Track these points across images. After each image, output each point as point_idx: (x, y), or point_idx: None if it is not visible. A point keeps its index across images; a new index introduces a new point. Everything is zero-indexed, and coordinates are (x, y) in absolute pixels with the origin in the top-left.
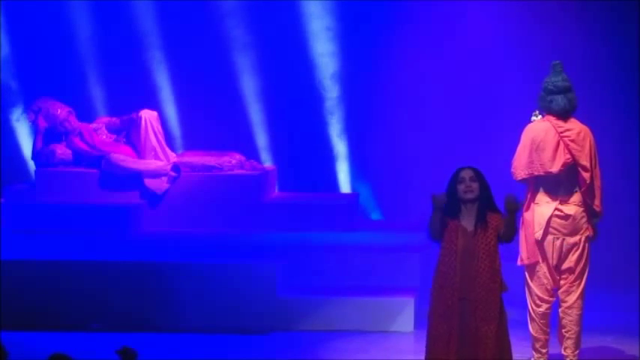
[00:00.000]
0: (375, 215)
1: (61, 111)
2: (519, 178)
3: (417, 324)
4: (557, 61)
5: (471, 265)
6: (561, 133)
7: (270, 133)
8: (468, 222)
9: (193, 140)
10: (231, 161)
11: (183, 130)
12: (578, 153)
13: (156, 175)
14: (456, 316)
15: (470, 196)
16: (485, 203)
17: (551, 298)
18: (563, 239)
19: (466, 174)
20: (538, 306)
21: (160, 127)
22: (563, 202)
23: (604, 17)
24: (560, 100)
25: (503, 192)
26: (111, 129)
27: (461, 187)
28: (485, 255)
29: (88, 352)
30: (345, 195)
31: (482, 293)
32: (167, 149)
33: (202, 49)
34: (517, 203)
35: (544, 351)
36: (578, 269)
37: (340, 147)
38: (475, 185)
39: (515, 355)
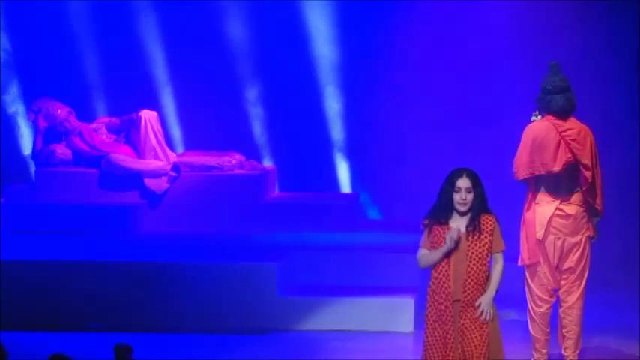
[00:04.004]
0: (375, 215)
1: (61, 111)
2: (520, 178)
3: (417, 324)
4: (554, 61)
5: (462, 267)
6: (562, 132)
7: (270, 133)
8: (459, 224)
9: (193, 140)
10: (231, 161)
11: (183, 130)
12: (579, 152)
13: (156, 175)
14: (450, 319)
15: (464, 209)
16: (479, 207)
17: (551, 299)
18: (564, 239)
19: (463, 184)
20: (538, 306)
21: (159, 127)
22: (564, 201)
23: (604, 17)
24: (559, 100)
25: (503, 192)
26: (111, 129)
27: (456, 198)
28: (477, 257)
29: (87, 352)
30: (345, 195)
31: (471, 295)
32: (167, 149)
33: (202, 49)
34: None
35: (544, 351)
36: (579, 269)
37: (340, 147)
38: (470, 197)
39: (515, 355)
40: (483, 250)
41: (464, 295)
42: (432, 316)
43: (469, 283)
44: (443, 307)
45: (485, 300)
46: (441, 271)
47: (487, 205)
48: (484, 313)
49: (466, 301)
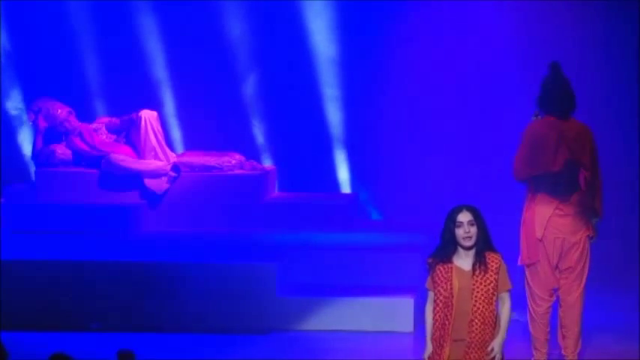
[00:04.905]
0: (375, 215)
1: (61, 111)
2: (520, 178)
3: (417, 324)
4: (555, 61)
5: (467, 307)
6: (561, 132)
7: (270, 133)
8: (464, 262)
9: (193, 140)
10: (231, 161)
11: (183, 131)
12: (578, 152)
13: (156, 175)
14: (442, 357)
15: (469, 243)
16: (484, 243)
17: (551, 298)
18: (564, 238)
19: (464, 218)
20: (538, 305)
21: (159, 127)
22: (564, 201)
23: (604, 17)
24: (559, 100)
25: (503, 193)
26: (111, 129)
27: (459, 233)
28: (482, 297)
29: (88, 353)
30: (345, 195)
31: (478, 336)
32: (167, 149)
33: (202, 49)
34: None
35: (544, 350)
36: (579, 268)
37: (340, 147)
38: (474, 230)
39: (515, 355)
40: (489, 289)
41: (470, 336)
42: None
43: (475, 324)
44: (438, 345)
45: (498, 344)
46: (443, 310)
47: (491, 242)
48: (496, 358)
49: (473, 342)
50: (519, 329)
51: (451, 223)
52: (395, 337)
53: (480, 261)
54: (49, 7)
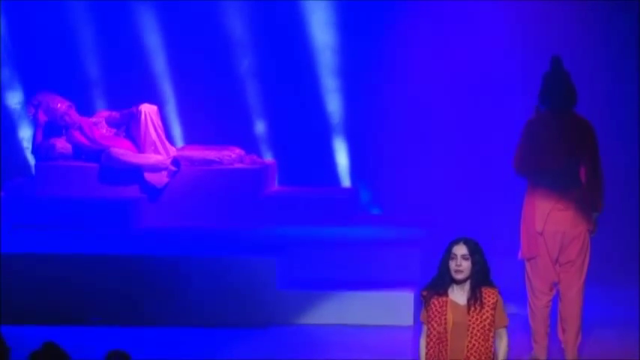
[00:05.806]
0: (375, 209)
1: (61, 105)
2: (521, 172)
3: (417, 318)
4: (557, 55)
5: (462, 343)
6: (562, 126)
7: (270, 127)
8: (459, 296)
9: (193, 134)
10: (231, 155)
11: (183, 124)
12: (579, 146)
13: (156, 169)
14: None
15: (460, 276)
16: (480, 278)
17: (551, 292)
18: (564, 232)
19: (458, 251)
20: (538, 299)
21: (159, 121)
22: (564, 195)
23: (604, 17)
24: (560, 95)
25: (503, 186)
26: (111, 123)
27: (451, 265)
28: (478, 333)
29: (88, 347)
30: (345, 189)
31: None
32: (167, 143)
33: (202, 43)
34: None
35: (544, 344)
36: (579, 262)
37: (340, 141)
38: (466, 264)
39: (515, 348)
40: (485, 325)
41: None
42: None
43: None
44: None
45: None
46: (437, 345)
47: (488, 277)
48: None
49: None
50: (519, 323)
51: (447, 254)
52: (395, 330)
53: (474, 297)
54: (50, 2)
